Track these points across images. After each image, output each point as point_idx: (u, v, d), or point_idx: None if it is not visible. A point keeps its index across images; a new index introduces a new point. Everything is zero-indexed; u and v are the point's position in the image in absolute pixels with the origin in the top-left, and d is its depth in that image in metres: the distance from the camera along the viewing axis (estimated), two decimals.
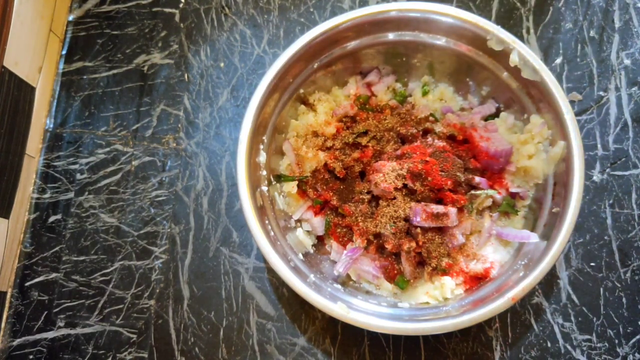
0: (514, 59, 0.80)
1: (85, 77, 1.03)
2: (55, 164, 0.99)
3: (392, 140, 0.87)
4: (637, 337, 0.84)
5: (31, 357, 0.90)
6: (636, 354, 0.84)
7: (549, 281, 0.87)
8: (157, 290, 0.91)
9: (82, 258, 0.94)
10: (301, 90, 0.88)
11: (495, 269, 0.78)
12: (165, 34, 1.04)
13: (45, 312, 0.92)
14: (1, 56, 0.88)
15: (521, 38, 0.99)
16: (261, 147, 0.83)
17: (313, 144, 0.88)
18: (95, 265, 0.93)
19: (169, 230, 0.94)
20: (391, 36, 0.86)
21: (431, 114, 0.89)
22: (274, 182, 0.86)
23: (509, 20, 1.01)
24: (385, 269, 0.81)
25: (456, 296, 0.78)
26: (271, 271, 0.90)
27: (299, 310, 0.88)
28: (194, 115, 0.99)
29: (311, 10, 1.04)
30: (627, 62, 0.97)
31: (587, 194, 0.91)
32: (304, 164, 0.88)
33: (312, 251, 0.86)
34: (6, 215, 0.92)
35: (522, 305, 0.86)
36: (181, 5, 1.05)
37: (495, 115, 0.88)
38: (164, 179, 0.97)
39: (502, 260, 0.80)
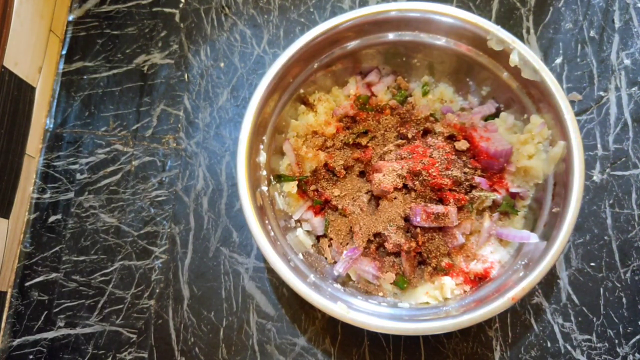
0: (514, 59, 0.80)
1: (85, 77, 1.03)
2: (55, 164, 0.99)
3: (392, 140, 0.87)
4: (637, 337, 0.84)
5: (31, 357, 0.90)
6: (636, 354, 0.84)
7: (549, 281, 0.87)
8: (157, 290, 0.91)
9: (82, 258, 0.94)
10: (301, 90, 0.88)
11: (495, 269, 0.78)
12: (165, 34, 1.04)
13: (45, 312, 0.92)
14: (1, 56, 0.88)
15: (521, 38, 0.99)
16: (261, 147, 0.83)
17: (313, 144, 0.88)
18: (95, 265, 0.93)
19: (169, 230, 0.94)
20: (391, 36, 0.86)
21: (431, 114, 0.89)
22: (274, 182, 0.86)
23: (509, 20, 1.01)
24: (385, 269, 0.81)
25: (456, 296, 0.78)
26: (271, 271, 0.90)
27: (299, 310, 0.88)
28: (194, 115, 0.99)
29: (311, 10, 1.04)
30: (627, 62, 0.97)
31: (587, 194, 0.91)
32: (304, 164, 0.88)
33: (312, 251, 0.86)
34: (6, 215, 0.92)
35: (522, 305, 0.86)
36: (181, 5, 1.05)
37: (495, 115, 0.88)
38: (164, 179, 0.97)
39: (502, 260, 0.80)
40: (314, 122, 0.88)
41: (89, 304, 0.92)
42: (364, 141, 0.87)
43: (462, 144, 0.84)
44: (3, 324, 0.92)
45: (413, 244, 0.78)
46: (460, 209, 0.80)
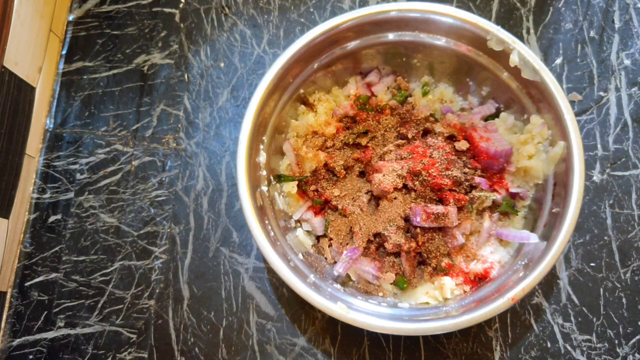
0: (514, 59, 0.80)
1: (85, 77, 1.03)
2: (55, 164, 0.99)
3: (392, 140, 0.87)
4: (637, 337, 0.84)
5: (31, 357, 0.90)
6: (636, 354, 0.84)
7: (549, 281, 0.87)
8: (157, 290, 0.91)
9: (82, 258, 0.94)
10: (301, 90, 0.88)
11: (495, 269, 0.78)
12: (165, 34, 1.04)
13: (45, 312, 0.92)
14: (1, 56, 0.88)
15: (521, 38, 0.99)
16: (261, 147, 0.83)
17: (313, 144, 0.88)
18: (95, 265, 0.93)
19: (169, 230, 0.94)
20: (391, 36, 0.86)
21: (431, 114, 0.89)
22: (274, 182, 0.86)
23: (509, 20, 1.01)
24: (385, 269, 0.81)
25: (456, 296, 0.78)
26: (271, 271, 0.90)
27: (299, 310, 0.88)
28: (194, 115, 0.99)
29: (311, 10, 1.04)
30: (627, 62, 0.97)
31: (587, 194, 0.91)
32: (304, 164, 0.88)
33: (312, 251, 0.86)
34: (6, 215, 0.92)
35: (522, 305, 0.86)
36: (181, 5, 1.05)
37: (495, 115, 0.88)
38: (164, 179, 0.97)
39: (502, 260, 0.80)
40: (314, 122, 0.89)
41: (89, 304, 0.92)
42: (364, 141, 0.87)
43: (462, 144, 0.84)
44: (3, 324, 0.92)
45: (413, 244, 0.78)
46: (460, 209, 0.80)
